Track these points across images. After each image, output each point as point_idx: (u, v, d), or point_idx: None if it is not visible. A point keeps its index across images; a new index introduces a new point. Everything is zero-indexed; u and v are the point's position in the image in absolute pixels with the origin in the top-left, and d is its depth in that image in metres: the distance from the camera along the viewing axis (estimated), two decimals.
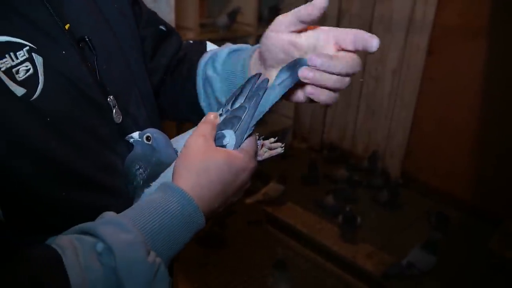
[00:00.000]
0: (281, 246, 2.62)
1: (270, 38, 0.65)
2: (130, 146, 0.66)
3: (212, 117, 0.64)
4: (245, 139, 0.64)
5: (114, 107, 0.64)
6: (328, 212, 2.87)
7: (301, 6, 0.60)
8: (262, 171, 3.05)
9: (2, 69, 0.50)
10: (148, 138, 0.63)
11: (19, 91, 0.51)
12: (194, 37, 2.89)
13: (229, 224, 2.72)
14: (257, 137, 0.69)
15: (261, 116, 0.64)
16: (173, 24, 1.59)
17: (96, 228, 0.49)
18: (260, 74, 0.65)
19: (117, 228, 0.49)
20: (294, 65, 0.62)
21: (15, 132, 0.50)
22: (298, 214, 2.88)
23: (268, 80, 0.63)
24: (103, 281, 0.47)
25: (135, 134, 0.64)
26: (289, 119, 3.92)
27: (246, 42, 3.19)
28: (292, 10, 0.61)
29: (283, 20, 0.63)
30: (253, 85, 0.65)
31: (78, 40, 0.62)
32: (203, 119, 0.64)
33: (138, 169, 0.62)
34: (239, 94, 0.66)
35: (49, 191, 0.54)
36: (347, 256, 2.50)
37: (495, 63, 2.76)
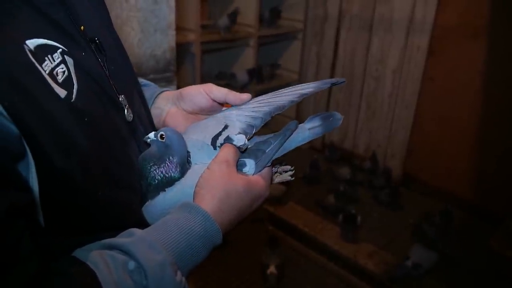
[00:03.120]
0: (283, 245, 2.62)
1: (192, 88, 0.77)
2: (140, 144, 0.69)
3: None
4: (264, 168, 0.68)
5: (125, 106, 0.66)
6: (329, 212, 2.88)
7: (231, 92, 0.74)
8: None
9: (47, 72, 0.51)
10: (162, 136, 0.65)
11: (62, 93, 0.52)
12: (196, 38, 2.91)
13: None
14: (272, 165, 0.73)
15: (284, 153, 0.69)
16: (173, 25, 1.61)
17: (130, 247, 0.51)
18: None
19: (149, 249, 0.52)
20: (328, 117, 0.68)
21: (63, 134, 0.51)
22: (300, 214, 2.89)
23: (296, 124, 0.69)
24: None
25: (152, 134, 0.66)
26: (290, 120, 3.92)
27: (247, 43, 3.22)
28: (224, 90, 0.75)
29: (215, 91, 0.75)
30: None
31: (90, 41, 0.63)
32: (226, 145, 0.66)
33: (153, 165, 0.65)
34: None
35: (90, 192, 0.55)
36: (348, 256, 2.51)
37: (495, 63, 2.77)
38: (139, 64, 1.56)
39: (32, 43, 0.50)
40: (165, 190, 0.64)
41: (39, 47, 0.51)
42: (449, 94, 3.03)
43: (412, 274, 2.32)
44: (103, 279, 0.47)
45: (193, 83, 3.08)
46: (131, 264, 0.50)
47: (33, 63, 0.49)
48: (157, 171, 0.64)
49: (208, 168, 0.64)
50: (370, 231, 2.75)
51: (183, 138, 0.68)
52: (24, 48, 0.49)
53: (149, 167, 0.65)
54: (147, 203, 0.65)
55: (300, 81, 3.89)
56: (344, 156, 3.62)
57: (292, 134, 0.68)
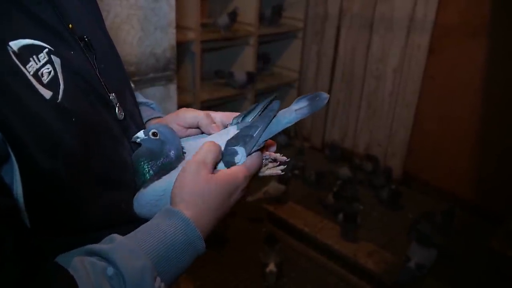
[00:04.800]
0: (283, 245, 2.62)
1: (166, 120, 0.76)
2: (134, 143, 0.68)
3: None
4: (252, 152, 0.66)
5: (116, 104, 0.66)
6: (329, 211, 2.87)
7: (206, 122, 0.71)
8: None
9: (31, 73, 0.50)
10: (154, 134, 0.65)
11: (47, 94, 0.51)
12: (196, 37, 2.90)
13: (230, 223, 2.74)
14: (264, 155, 0.71)
15: (272, 135, 0.67)
16: (174, 24, 1.60)
17: (109, 253, 0.51)
18: (274, 97, 0.68)
19: (128, 255, 0.52)
20: (314, 97, 0.67)
21: (49, 135, 0.51)
22: (300, 213, 2.89)
23: (279, 103, 0.67)
24: None
25: (140, 134, 0.66)
26: None
27: (247, 42, 3.20)
28: (199, 117, 0.72)
29: (188, 119, 0.73)
30: (266, 105, 0.68)
31: (79, 39, 0.63)
32: (208, 143, 0.64)
33: (149, 162, 0.64)
34: (251, 110, 0.69)
35: (79, 192, 0.55)
36: (348, 255, 2.51)
37: (495, 62, 2.77)
38: (139, 63, 1.55)
39: (16, 44, 0.50)
40: (161, 178, 0.64)
41: (23, 47, 0.50)
42: (449, 93, 3.03)
43: (416, 276, 2.31)
44: (82, 285, 0.47)
45: (193, 81, 3.08)
46: (110, 270, 0.50)
47: (17, 65, 0.49)
48: (155, 167, 0.65)
49: (182, 170, 0.62)
50: (370, 230, 2.74)
51: (174, 131, 0.69)
52: (7, 50, 0.48)
53: (145, 166, 0.65)
54: (138, 192, 0.65)
55: (300, 80, 3.88)
56: (344, 155, 3.61)
57: (275, 114, 0.67)
